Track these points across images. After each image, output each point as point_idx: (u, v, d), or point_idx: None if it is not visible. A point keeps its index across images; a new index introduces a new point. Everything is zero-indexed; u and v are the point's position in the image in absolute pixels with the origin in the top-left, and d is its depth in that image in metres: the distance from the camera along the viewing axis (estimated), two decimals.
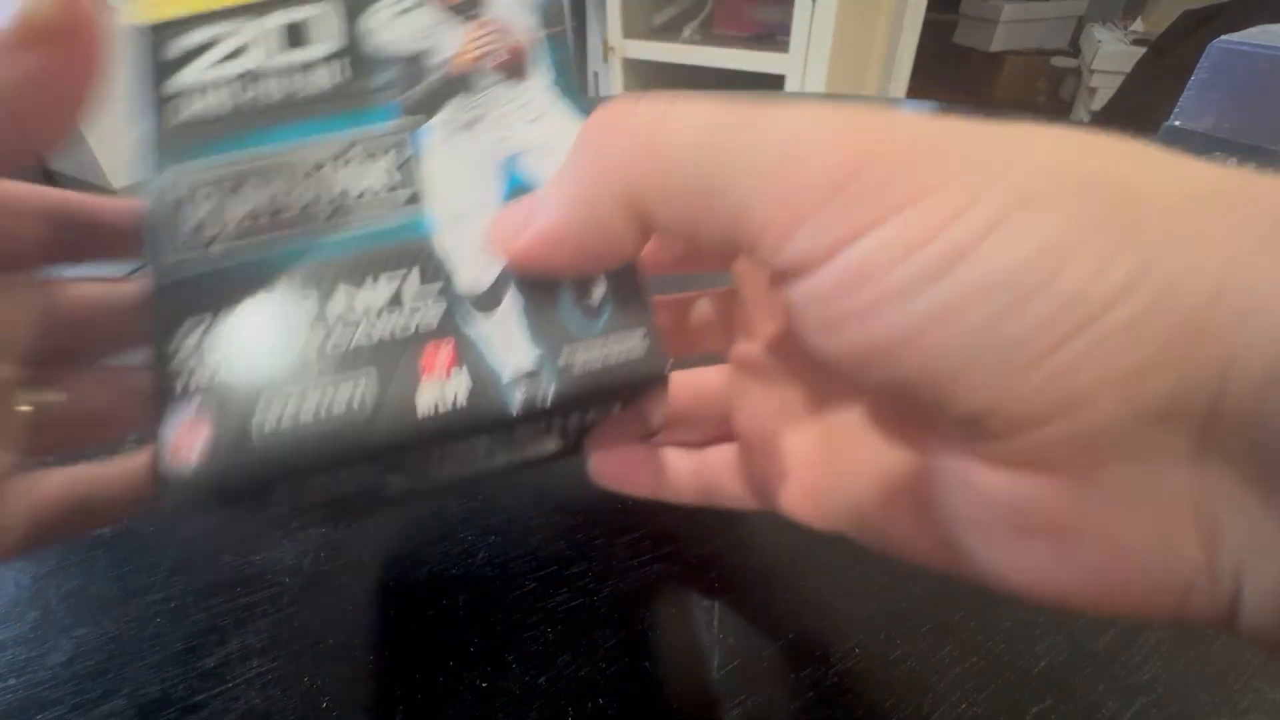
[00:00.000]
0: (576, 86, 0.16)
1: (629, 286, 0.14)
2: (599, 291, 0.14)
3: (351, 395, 0.13)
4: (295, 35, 0.15)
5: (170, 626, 0.19)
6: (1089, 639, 0.19)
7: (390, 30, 0.16)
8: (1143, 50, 1.70)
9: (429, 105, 0.15)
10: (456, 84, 0.16)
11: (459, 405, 0.13)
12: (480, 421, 0.13)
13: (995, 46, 2.69)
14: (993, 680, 0.18)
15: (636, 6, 1.48)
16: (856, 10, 1.41)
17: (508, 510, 0.23)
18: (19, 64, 0.12)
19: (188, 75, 0.15)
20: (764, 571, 0.21)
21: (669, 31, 1.53)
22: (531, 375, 0.13)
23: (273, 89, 0.15)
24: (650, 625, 0.20)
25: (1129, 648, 0.19)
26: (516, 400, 0.13)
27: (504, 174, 0.15)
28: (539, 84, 0.16)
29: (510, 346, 0.14)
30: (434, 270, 0.14)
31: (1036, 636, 0.19)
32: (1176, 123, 0.40)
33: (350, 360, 0.13)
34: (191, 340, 0.13)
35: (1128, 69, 1.71)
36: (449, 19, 0.16)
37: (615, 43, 1.48)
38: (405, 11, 0.16)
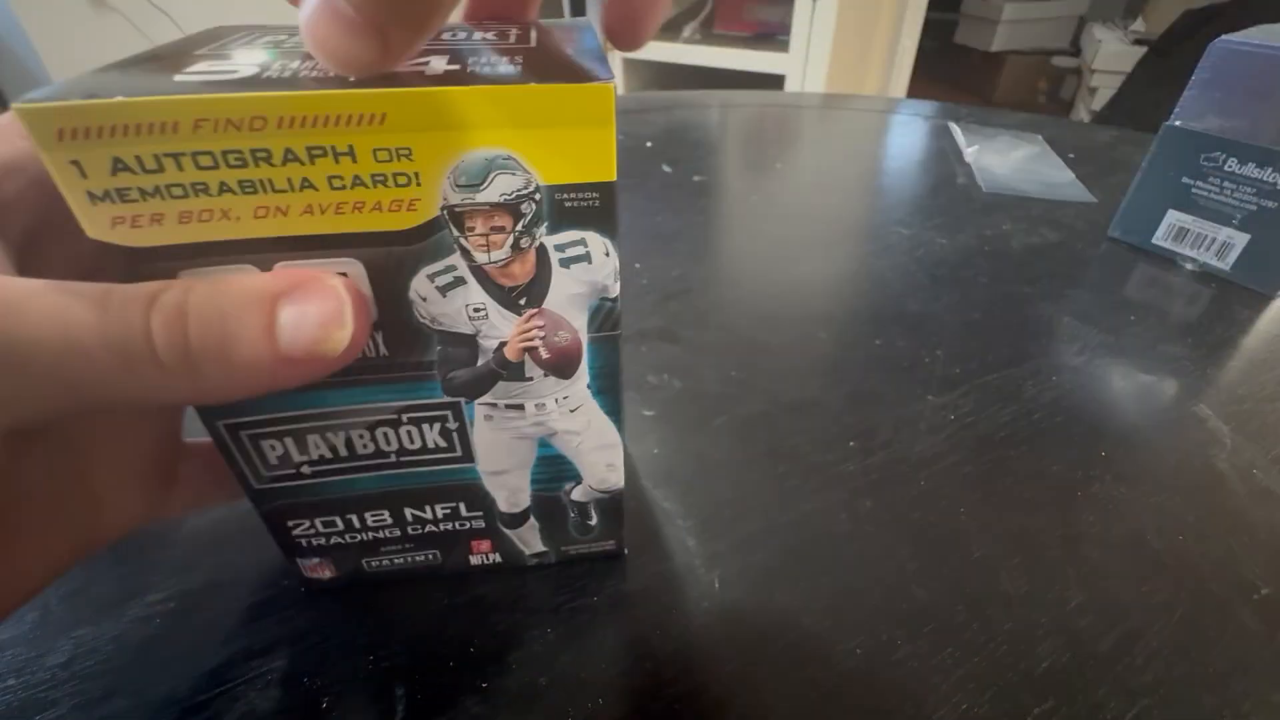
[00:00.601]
0: (615, 389, 0.18)
1: (615, 516, 0.21)
2: (595, 519, 0.21)
3: (424, 558, 0.20)
4: None
5: (170, 627, 0.19)
6: (1091, 640, 0.19)
7: (438, 305, 0.15)
8: (1143, 50, 1.70)
9: (471, 390, 0.17)
10: (505, 373, 0.17)
11: (495, 561, 0.21)
12: (506, 568, 0.21)
13: (996, 46, 2.69)
14: (994, 682, 0.18)
15: None
16: (856, 10, 1.41)
17: None
18: (281, 376, 0.12)
19: None
20: (765, 572, 0.21)
21: (669, 31, 1.53)
22: (542, 554, 0.21)
23: None
24: (650, 625, 0.20)
25: (1131, 650, 0.19)
26: (531, 561, 0.21)
27: (537, 445, 0.18)
28: (581, 380, 0.17)
29: (529, 544, 0.21)
30: (479, 501, 0.19)
31: (1039, 638, 0.19)
32: (1176, 123, 0.40)
33: (423, 543, 0.20)
34: (304, 528, 0.18)
35: (1128, 69, 1.71)
36: (501, 300, 0.15)
37: None
38: (454, 285, 0.15)
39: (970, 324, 0.35)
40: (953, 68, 2.89)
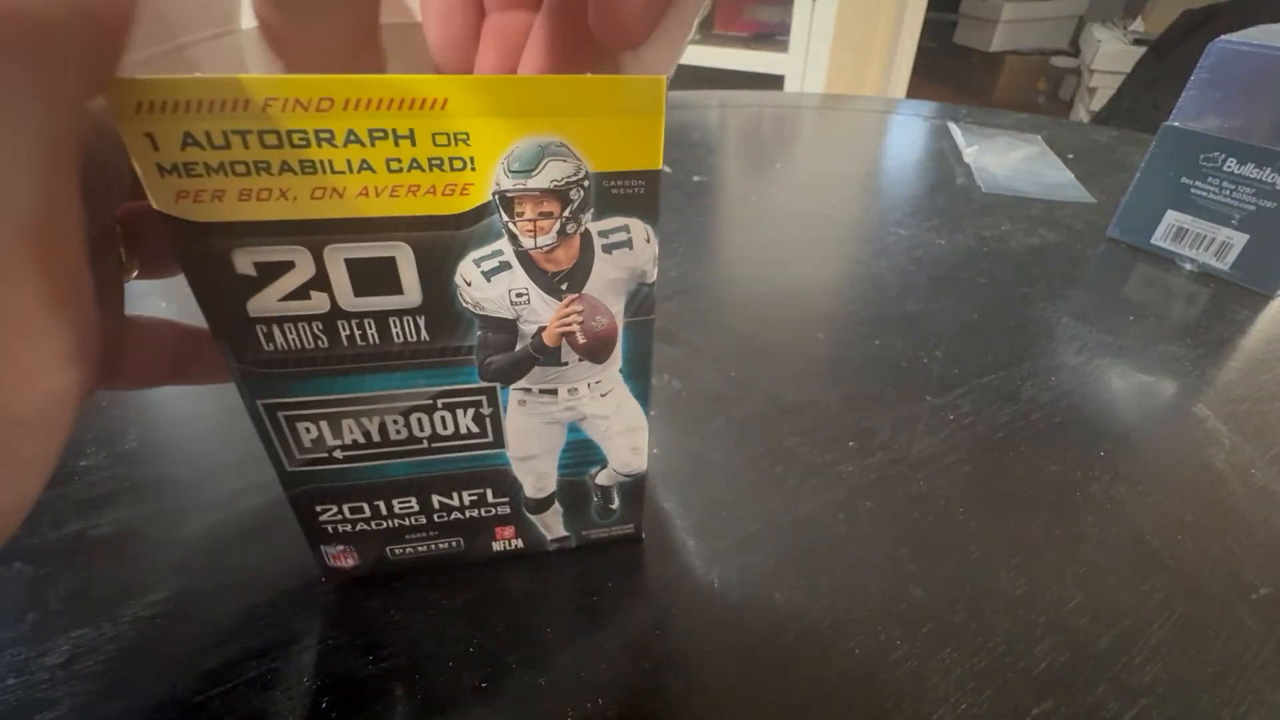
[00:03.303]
0: (646, 373, 0.18)
1: (637, 499, 0.21)
2: (616, 503, 0.21)
3: (448, 546, 0.20)
4: (368, 277, 0.14)
5: (170, 627, 0.19)
6: (1090, 640, 0.19)
7: (483, 290, 0.15)
8: (1143, 50, 1.70)
9: (506, 375, 0.17)
10: (542, 358, 0.17)
11: (517, 547, 0.21)
12: (527, 554, 0.22)
13: (995, 46, 2.69)
14: (993, 681, 0.18)
15: None
16: (856, 10, 1.41)
17: None
18: None
19: (268, 301, 0.14)
20: (764, 572, 0.21)
21: None
22: (564, 539, 0.22)
23: (357, 335, 0.15)
24: (650, 625, 0.20)
25: (1130, 649, 0.19)
26: (552, 547, 0.22)
27: (567, 429, 0.19)
28: (614, 365, 0.18)
29: (551, 529, 0.21)
30: (507, 487, 0.19)
31: (1037, 637, 0.19)
32: (1176, 123, 0.40)
33: (448, 530, 0.20)
34: (332, 514, 0.18)
35: (1128, 69, 1.71)
36: (544, 285, 0.16)
37: None
38: (499, 270, 0.15)
39: (969, 324, 0.35)
40: (952, 68, 2.89)
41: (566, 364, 0.17)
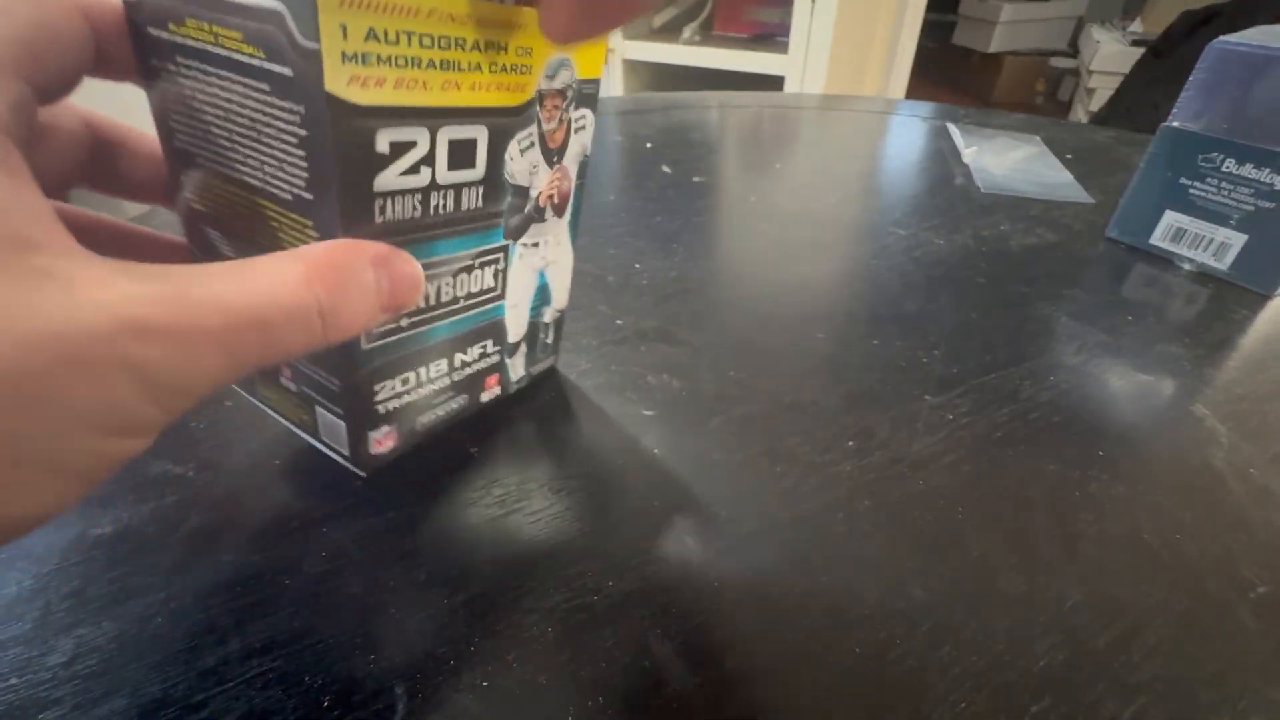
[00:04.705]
0: (577, 222, 0.25)
1: (559, 332, 0.28)
2: (551, 338, 0.27)
3: (456, 404, 0.24)
4: (458, 154, 0.18)
5: (171, 626, 0.19)
6: (1089, 638, 0.19)
7: (518, 163, 0.20)
8: (1141, 51, 1.71)
9: (518, 232, 0.22)
10: (536, 215, 0.23)
11: (496, 395, 0.26)
12: (501, 400, 0.26)
13: (994, 47, 2.70)
14: (992, 680, 0.18)
15: None
16: (856, 11, 1.41)
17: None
18: None
19: (390, 177, 0.17)
20: (763, 571, 0.21)
21: (669, 33, 1.53)
22: (521, 379, 0.27)
23: (441, 204, 0.19)
24: (650, 625, 0.20)
25: (1129, 648, 0.19)
26: (513, 389, 0.27)
27: (538, 276, 0.24)
28: (566, 217, 0.24)
29: (515, 369, 0.26)
30: (499, 336, 0.24)
31: (1036, 636, 0.20)
32: (1175, 123, 0.40)
33: (459, 388, 0.24)
34: (387, 391, 0.21)
35: (1126, 69, 1.71)
36: (546, 158, 0.21)
37: (615, 44, 1.48)
38: (529, 148, 0.20)
39: (968, 324, 0.35)
40: (951, 69, 2.89)
41: (545, 220, 0.23)
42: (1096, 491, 0.25)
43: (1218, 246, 0.40)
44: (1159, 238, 0.42)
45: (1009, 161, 0.57)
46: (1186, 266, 0.41)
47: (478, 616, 0.20)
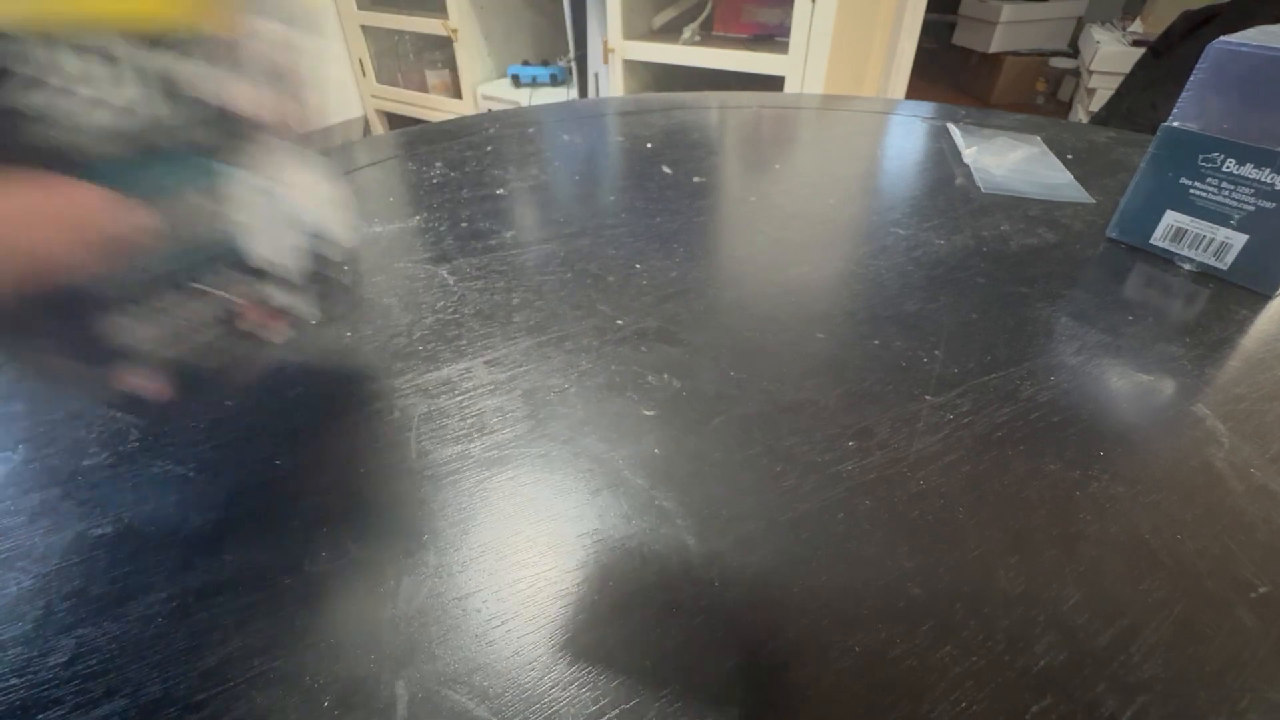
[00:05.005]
0: None
1: None
2: None
3: None
4: None
5: (171, 626, 0.19)
6: (1089, 638, 0.19)
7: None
8: (1141, 51, 1.70)
9: None
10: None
11: None
12: None
13: (994, 47, 2.70)
14: (992, 679, 0.18)
15: (636, 8, 1.48)
16: (856, 11, 1.41)
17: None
18: None
19: None
20: (763, 571, 0.21)
21: (669, 33, 1.53)
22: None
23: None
24: (650, 625, 0.20)
25: (1128, 647, 0.19)
26: None
27: None
28: None
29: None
30: None
31: (1036, 635, 0.20)
32: (1175, 123, 0.40)
33: None
34: None
35: (1126, 70, 1.71)
36: None
37: (615, 44, 1.48)
38: None
39: (968, 324, 0.35)
40: (951, 69, 2.89)
41: None
42: (1096, 491, 0.25)
43: (1218, 246, 0.40)
44: (1159, 238, 0.42)
45: (1009, 162, 0.57)
46: (1187, 266, 0.41)
47: (477, 616, 0.20)
